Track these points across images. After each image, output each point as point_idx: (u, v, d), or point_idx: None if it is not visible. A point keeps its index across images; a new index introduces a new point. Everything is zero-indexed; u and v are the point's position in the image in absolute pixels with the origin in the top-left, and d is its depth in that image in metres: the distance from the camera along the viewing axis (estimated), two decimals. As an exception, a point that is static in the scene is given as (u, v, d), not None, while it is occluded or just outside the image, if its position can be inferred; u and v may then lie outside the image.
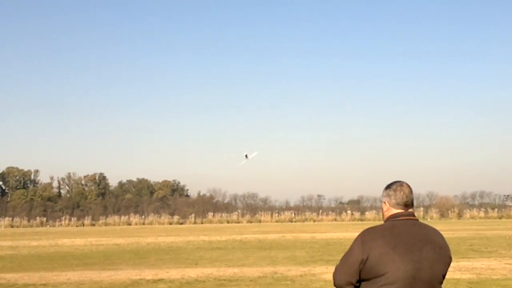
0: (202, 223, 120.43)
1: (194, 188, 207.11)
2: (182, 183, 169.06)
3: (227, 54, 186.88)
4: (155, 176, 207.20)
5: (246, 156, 46.73)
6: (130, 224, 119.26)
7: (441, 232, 5.92)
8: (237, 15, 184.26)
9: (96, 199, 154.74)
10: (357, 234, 5.78)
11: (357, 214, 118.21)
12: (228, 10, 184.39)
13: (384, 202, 5.81)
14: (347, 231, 61.18)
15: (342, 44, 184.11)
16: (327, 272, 24.38)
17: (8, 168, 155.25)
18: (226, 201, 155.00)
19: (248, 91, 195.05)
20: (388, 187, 5.84)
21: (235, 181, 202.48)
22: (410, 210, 5.80)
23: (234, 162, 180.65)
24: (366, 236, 5.60)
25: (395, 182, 5.89)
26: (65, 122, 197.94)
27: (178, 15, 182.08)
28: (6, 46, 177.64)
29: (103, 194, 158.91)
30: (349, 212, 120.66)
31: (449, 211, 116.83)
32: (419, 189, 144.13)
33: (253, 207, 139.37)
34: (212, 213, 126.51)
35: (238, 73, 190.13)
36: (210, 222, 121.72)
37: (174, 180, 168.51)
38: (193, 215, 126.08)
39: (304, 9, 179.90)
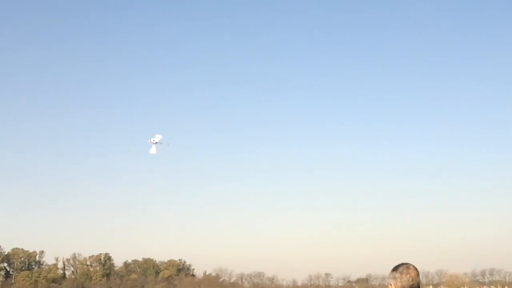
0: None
1: (200, 267, 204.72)
2: (188, 262, 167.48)
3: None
4: (161, 254, 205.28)
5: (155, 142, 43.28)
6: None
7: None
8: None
9: (101, 279, 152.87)
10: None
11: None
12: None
13: (390, 284, 5.59)
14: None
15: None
16: None
17: (13, 249, 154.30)
18: (232, 280, 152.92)
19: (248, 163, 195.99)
20: (395, 269, 5.78)
21: (241, 259, 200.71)
22: None
23: (239, 240, 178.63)
24: None
25: (402, 264, 5.88)
26: (70, 203, 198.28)
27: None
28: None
29: (108, 275, 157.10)
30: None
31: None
32: (428, 267, 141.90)
33: (260, 287, 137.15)
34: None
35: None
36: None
37: (180, 260, 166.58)
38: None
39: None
